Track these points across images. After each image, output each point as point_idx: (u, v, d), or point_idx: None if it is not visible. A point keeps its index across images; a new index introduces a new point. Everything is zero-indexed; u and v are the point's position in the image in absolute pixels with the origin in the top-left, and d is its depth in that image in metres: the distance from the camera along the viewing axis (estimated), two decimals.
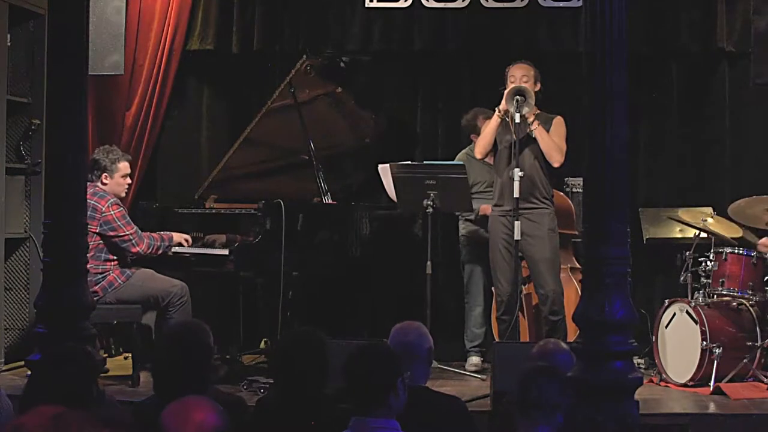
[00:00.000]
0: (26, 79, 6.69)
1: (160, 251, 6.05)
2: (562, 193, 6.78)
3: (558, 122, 6.20)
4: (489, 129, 6.20)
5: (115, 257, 5.98)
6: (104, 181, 6.06)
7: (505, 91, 6.05)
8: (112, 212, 5.93)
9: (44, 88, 5.63)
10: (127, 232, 5.94)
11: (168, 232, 6.12)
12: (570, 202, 6.76)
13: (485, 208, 6.49)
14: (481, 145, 6.26)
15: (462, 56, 7.40)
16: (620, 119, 3.72)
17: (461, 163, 6.47)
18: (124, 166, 6.14)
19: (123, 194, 6.21)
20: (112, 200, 5.98)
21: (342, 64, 6.75)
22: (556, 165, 6.15)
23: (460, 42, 7.29)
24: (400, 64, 7.53)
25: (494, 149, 6.28)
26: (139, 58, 7.25)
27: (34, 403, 3.11)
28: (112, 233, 5.92)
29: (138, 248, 5.97)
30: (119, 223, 5.94)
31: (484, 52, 7.30)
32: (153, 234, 6.06)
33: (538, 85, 6.18)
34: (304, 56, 6.42)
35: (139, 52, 7.24)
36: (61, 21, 4.34)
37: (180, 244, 6.14)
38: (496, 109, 6.13)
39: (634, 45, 6.71)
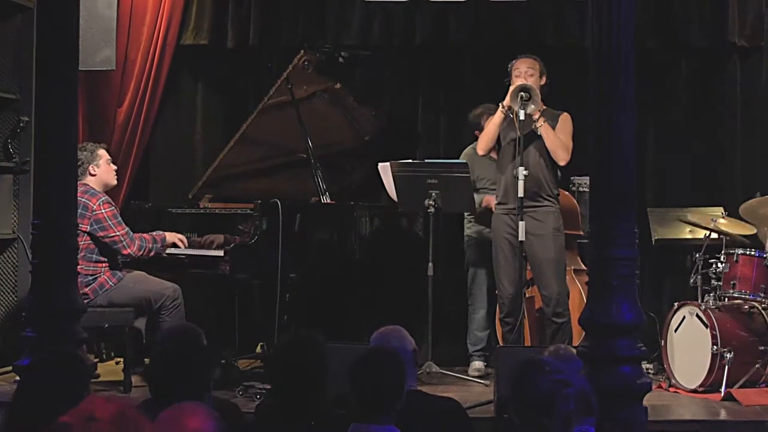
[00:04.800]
0: (14, 75, 6.68)
1: (152, 253, 6.04)
2: (567, 193, 6.78)
3: (564, 119, 6.20)
4: (492, 125, 6.21)
5: (105, 259, 5.97)
6: (92, 172, 6.04)
7: (510, 87, 6.06)
8: (102, 211, 5.92)
9: (33, 84, 5.63)
10: (118, 233, 5.93)
11: (161, 232, 6.12)
12: (575, 201, 6.77)
13: (489, 199, 6.49)
14: (484, 141, 6.27)
15: (464, 51, 7.41)
16: (628, 116, 3.73)
17: (464, 161, 6.48)
18: (103, 152, 6.15)
19: (115, 181, 6.21)
20: (103, 198, 5.98)
21: (341, 60, 6.75)
22: (561, 163, 6.15)
23: (463, 36, 7.29)
24: (400, 59, 7.53)
25: (497, 146, 6.30)
26: (131, 53, 7.25)
27: (24, 410, 3.11)
28: (101, 233, 5.91)
29: (129, 250, 5.96)
30: (110, 222, 5.93)
31: (487, 47, 7.30)
32: (144, 235, 6.05)
33: (544, 79, 6.18)
34: (302, 51, 6.42)
35: (131, 47, 7.24)
36: (51, 15, 4.35)
37: (174, 245, 6.14)
38: (500, 104, 6.14)
39: (642, 39, 6.74)
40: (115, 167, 6.24)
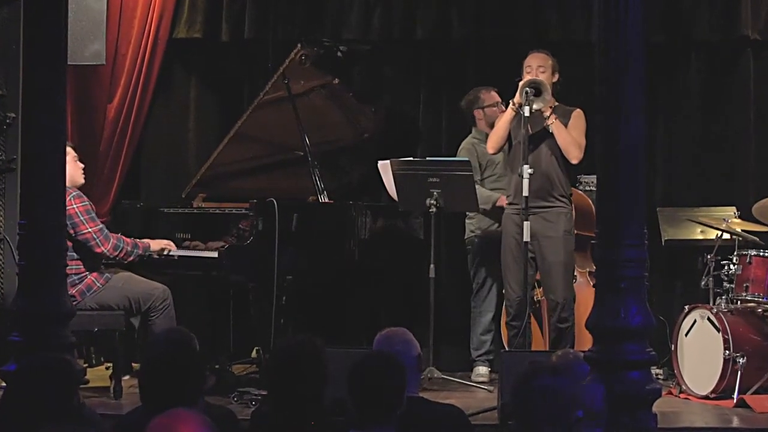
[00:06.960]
0: (0, 70, 6.67)
1: (131, 257, 6.00)
2: (581, 192, 6.77)
3: (577, 116, 6.20)
4: (502, 123, 6.21)
5: (79, 257, 5.91)
6: None
7: (520, 83, 6.07)
8: (74, 206, 5.84)
9: (20, 79, 5.62)
10: (90, 230, 5.87)
11: (145, 240, 6.09)
12: (590, 201, 6.74)
13: (504, 200, 6.48)
14: (494, 140, 6.27)
15: (467, 45, 7.41)
16: (636, 113, 3.72)
17: (466, 159, 6.48)
18: (68, 150, 6.09)
19: (82, 180, 6.11)
20: (74, 193, 5.89)
21: (339, 54, 6.75)
22: (574, 161, 6.16)
23: (465, 30, 7.29)
24: (401, 54, 7.52)
25: (508, 144, 6.30)
26: (121, 47, 7.24)
27: (10, 417, 3.11)
28: (73, 230, 5.81)
29: (102, 248, 5.89)
30: (82, 218, 5.87)
31: (490, 42, 7.30)
32: (124, 237, 6.02)
33: (556, 76, 6.20)
34: (299, 45, 6.41)
35: (121, 41, 7.24)
36: (38, 7, 4.35)
37: (163, 250, 6.12)
38: (510, 101, 6.15)
39: (651, 34, 6.73)
40: (82, 165, 6.17)
